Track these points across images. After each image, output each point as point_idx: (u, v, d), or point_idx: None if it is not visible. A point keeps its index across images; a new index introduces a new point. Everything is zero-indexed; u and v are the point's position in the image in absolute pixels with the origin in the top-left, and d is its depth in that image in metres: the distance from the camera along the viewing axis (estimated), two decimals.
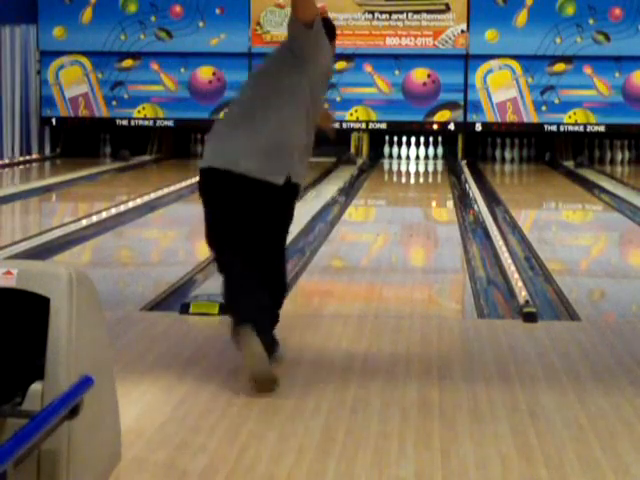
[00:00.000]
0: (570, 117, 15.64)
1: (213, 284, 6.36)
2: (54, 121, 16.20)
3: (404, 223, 10.27)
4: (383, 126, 15.91)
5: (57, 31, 16.04)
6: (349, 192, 12.15)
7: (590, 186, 13.01)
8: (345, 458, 3.50)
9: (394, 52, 15.69)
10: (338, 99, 15.57)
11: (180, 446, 3.59)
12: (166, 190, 11.70)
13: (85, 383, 2.99)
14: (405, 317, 5.84)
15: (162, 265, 8.02)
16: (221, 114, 14.23)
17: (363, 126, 15.96)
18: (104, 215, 9.67)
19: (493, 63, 15.67)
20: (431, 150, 16.28)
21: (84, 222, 9.21)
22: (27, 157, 15.84)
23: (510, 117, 15.74)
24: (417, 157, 16.27)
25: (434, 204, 12.20)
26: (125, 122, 16.11)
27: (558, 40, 15.55)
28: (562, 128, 15.69)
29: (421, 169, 15.66)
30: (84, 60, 16.10)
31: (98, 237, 8.80)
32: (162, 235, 9.60)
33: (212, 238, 4.54)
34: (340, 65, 15.13)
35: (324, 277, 7.23)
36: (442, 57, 15.65)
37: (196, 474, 3.36)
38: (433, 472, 3.40)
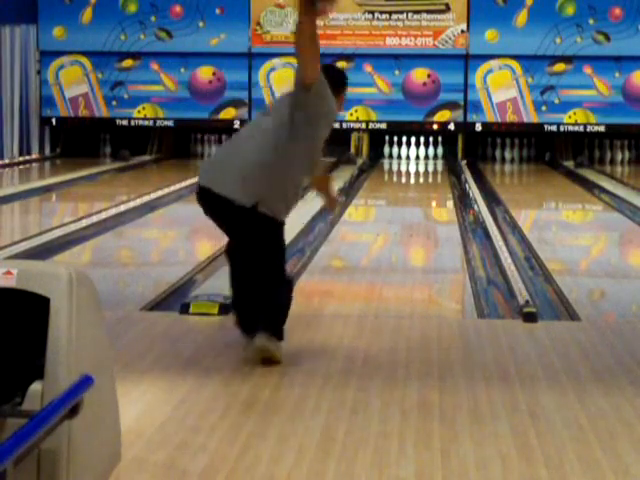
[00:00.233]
0: (570, 117, 15.63)
1: (213, 284, 6.38)
2: (54, 121, 16.20)
3: (404, 223, 10.26)
4: (383, 126, 15.91)
5: (57, 31, 16.04)
6: (349, 192, 12.15)
7: (590, 186, 13.00)
8: (345, 458, 3.50)
9: (394, 52, 15.69)
10: None
11: (180, 446, 3.59)
12: (166, 190, 11.70)
13: (85, 383, 2.99)
14: (405, 317, 5.84)
15: (162, 265, 8.02)
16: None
17: (363, 126, 15.95)
18: (104, 215, 9.67)
19: (493, 63, 15.67)
20: (431, 150, 16.28)
21: (84, 222, 9.21)
22: (27, 157, 15.84)
23: (510, 117, 15.73)
24: (417, 157, 16.27)
25: (434, 204, 12.20)
26: (125, 122, 16.10)
27: (558, 40, 15.55)
28: (562, 128, 15.69)
29: (421, 169, 15.66)
30: (84, 60, 16.09)
31: (98, 237, 8.80)
32: (162, 235, 9.60)
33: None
34: (340, 65, 15.12)
35: (324, 277, 7.23)
36: (442, 57, 15.65)
37: (196, 474, 3.36)
38: (433, 472, 3.40)
